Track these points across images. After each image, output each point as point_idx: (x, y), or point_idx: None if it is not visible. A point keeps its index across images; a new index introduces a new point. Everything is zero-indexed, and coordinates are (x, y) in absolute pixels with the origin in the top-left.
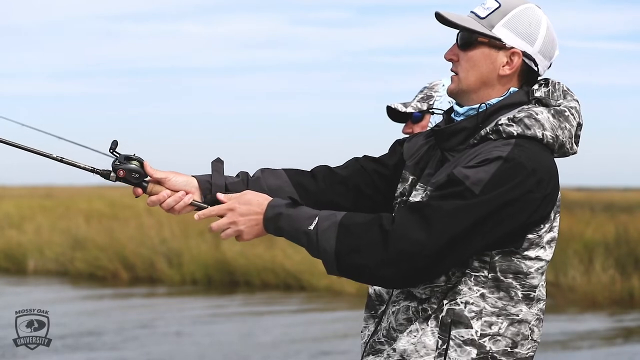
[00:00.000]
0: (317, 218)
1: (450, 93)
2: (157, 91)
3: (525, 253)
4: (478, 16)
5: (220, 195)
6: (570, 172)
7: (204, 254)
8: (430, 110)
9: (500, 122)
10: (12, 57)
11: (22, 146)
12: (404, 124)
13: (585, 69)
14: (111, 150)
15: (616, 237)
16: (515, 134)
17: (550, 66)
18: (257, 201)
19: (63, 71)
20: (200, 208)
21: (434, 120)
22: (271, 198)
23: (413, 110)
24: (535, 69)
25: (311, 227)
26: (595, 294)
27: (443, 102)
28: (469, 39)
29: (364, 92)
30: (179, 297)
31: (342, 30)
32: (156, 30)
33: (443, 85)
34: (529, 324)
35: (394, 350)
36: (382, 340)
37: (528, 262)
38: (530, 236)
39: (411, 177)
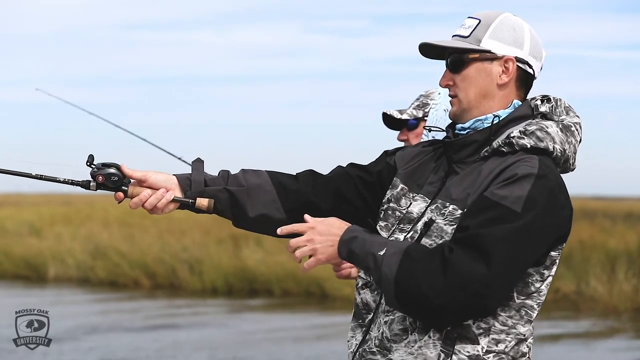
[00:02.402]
0: (387, 244)
1: (453, 116)
2: (171, 100)
3: (544, 271)
4: (462, 37)
5: (307, 216)
6: (586, 181)
7: (224, 261)
8: (427, 127)
9: (512, 135)
10: (26, 65)
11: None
12: (399, 131)
13: (605, 78)
14: (88, 163)
15: (639, 246)
16: (529, 146)
17: (541, 68)
18: (338, 224)
19: (77, 79)
20: (182, 203)
21: (426, 131)
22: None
23: (408, 118)
24: (531, 71)
25: (381, 253)
26: (618, 303)
27: (439, 110)
28: (460, 60)
29: (380, 101)
30: (200, 303)
31: (358, 39)
32: (171, 39)
33: (439, 94)
34: (527, 341)
35: None
36: (374, 350)
37: (542, 280)
38: (553, 254)
39: (401, 185)
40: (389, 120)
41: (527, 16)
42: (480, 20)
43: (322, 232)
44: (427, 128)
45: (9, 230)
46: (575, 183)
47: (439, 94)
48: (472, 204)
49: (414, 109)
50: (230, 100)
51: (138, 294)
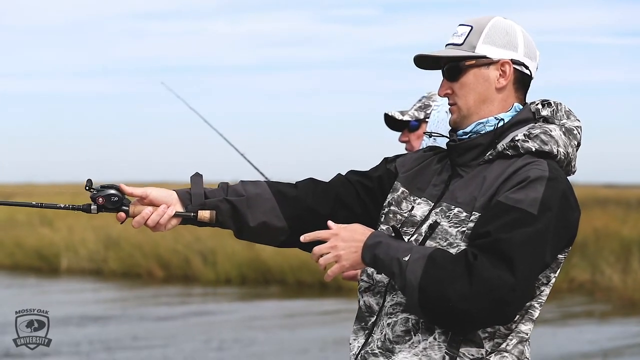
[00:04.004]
0: (412, 250)
1: (454, 123)
2: (182, 90)
3: (550, 274)
4: (456, 45)
5: (330, 222)
6: (596, 169)
7: (238, 252)
8: (428, 134)
9: (516, 138)
10: (36, 55)
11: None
12: (400, 133)
13: (615, 65)
14: (87, 188)
15: None
16: (534, 149)
17: (537, 68)
18: (361, 230)
19: (87, 70)
20: (184, 218)
21: (430, 129)
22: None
23: (410, 119)
24: (527, 72)
25: (406, 258)
26: (633, 293)
27: (440, 111)
28: (456, 68)
29: (392, 90)
30: (213, 292)
31: (369, 28)
32: (181, 28)
33: None
34: (528, 341)
35: None
36: (377, 352)
37: (547, 283)
38: (559, 257)
39: (402, 189)
40: (391, 121)
41: (541, 4)
42: (472, 27)
43: (346, 239)
44: (428, 134)
45: (21, 221)
46: (585, 171)
47: None
48: (487, 209)
49: (415, 110)
50: (241, 90)
51: (151, 285)
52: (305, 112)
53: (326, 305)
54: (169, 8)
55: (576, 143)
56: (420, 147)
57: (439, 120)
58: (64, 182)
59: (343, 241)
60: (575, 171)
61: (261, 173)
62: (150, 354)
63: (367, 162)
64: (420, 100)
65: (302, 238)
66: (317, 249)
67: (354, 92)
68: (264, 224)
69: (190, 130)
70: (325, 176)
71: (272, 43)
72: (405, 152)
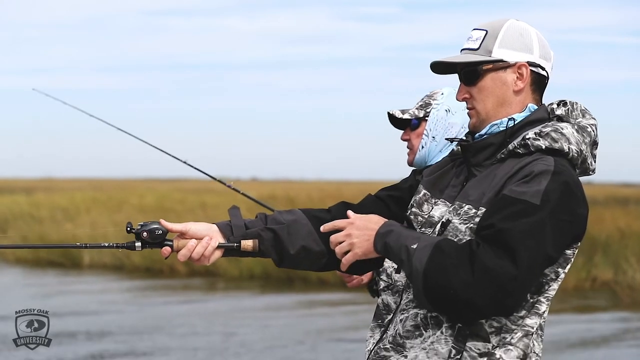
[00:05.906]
0: (420, 239)
1: (473, 127)
2: (199, 86)
3: (558, 269)
4: (472, 49)
5: (349, 212)
6: (614, 167)
7: None
8: (448, 139)
9: (527, 137)
10: (57, 51)
11: (49, 245)
12: (402, 131)
13: (632, 64)
14: (128, 229)
15: None
16: (544, 147)
17: (552, 68)
18: (376, 220)
19: (108, 66)
20: (227, 248)
21: (429, 127)
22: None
23: (410, 117)
24: (544, 73)
25: (414, 246)
26: None
27: (440, 110)
28: (474, 72)
29: (408, 88)
30: (235, 289)
31: (387, 26)
32: (200, 25)
33: (442, 94)
34: (534, 334)
35: (406, 357)
36: (388, 347)
37: (556, 278)
38: (567, 252)
39: (424, 191)
40: (393, 120)
41: (557, 3)
42: (487, 31)
43: (360, 227)
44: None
45: (44, 217)
46: (602, 170)
47: (442, 94)
48: (492, 203)
49: (416, 109)
50: (258, 87)
51: (174, 280)
52: (323, 109)
53: (347, 297)
54: (186, 4)
55: (590, 140)
56: (420, 145)
57: (438, 119)
58: (82, 177)
59: (357, 229)
60: (594, 169)
61: (205, 173)
62: (171, 346)
63: (383, 160)
64: (422, 98)
65: (322, 228)
66: (333, 238)
67: (372, 90)
68: (304, 249)
69: (211, 126)
70: (337, 174)
71: (290, 40)
72: (407, 150)
